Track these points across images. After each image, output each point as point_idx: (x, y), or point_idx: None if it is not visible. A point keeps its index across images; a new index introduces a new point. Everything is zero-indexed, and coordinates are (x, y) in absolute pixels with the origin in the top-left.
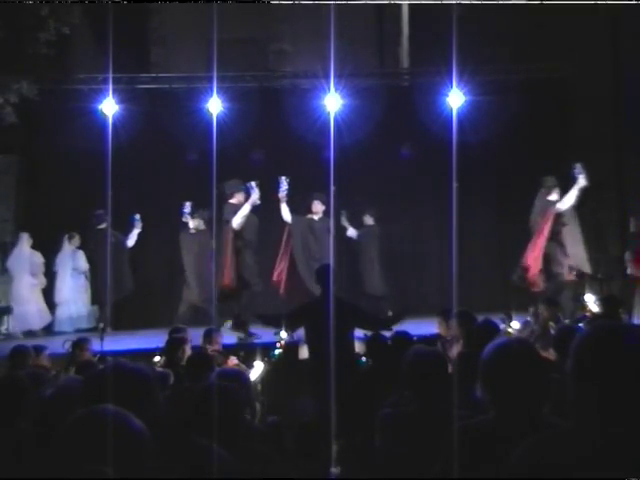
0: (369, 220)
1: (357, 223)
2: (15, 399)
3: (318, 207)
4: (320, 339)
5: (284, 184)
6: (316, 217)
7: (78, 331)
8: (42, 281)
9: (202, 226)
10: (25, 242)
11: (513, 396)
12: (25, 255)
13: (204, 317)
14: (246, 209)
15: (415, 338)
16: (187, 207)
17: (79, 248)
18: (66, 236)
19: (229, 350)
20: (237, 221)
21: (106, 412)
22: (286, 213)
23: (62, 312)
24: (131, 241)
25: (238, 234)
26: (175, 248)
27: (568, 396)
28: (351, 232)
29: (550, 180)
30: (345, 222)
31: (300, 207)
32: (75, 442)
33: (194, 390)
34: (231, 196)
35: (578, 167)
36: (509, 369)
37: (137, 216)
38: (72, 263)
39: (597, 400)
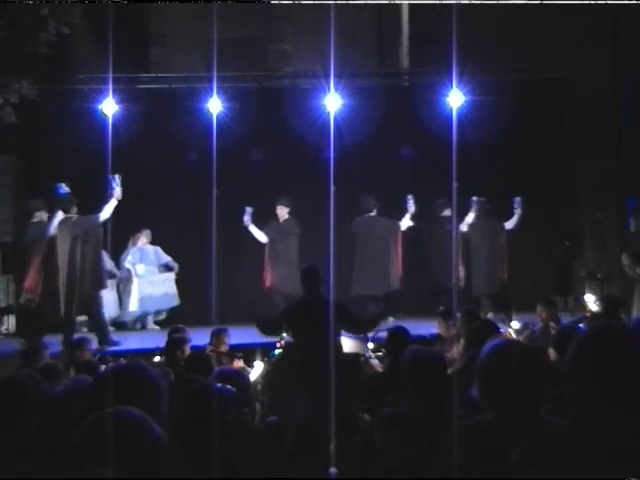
0: None
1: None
2: (17, 399)
3: (283, 211)
4: (307, 340)
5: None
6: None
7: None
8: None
9: None
10: (145, 238)
11: (510, 397)
12: (150, 250)
13: None
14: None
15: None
16: None
17: None
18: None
19: (235, 350)
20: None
21: (127, 415)
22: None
23: None
24: (404, 223)
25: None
26: (173, 247)
27: (566, 396)
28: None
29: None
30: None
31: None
32: (91, 443)
33: (183, 392)
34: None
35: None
36: (505, 370)
37: (409, 195)
38: None
39: (595, 401)
